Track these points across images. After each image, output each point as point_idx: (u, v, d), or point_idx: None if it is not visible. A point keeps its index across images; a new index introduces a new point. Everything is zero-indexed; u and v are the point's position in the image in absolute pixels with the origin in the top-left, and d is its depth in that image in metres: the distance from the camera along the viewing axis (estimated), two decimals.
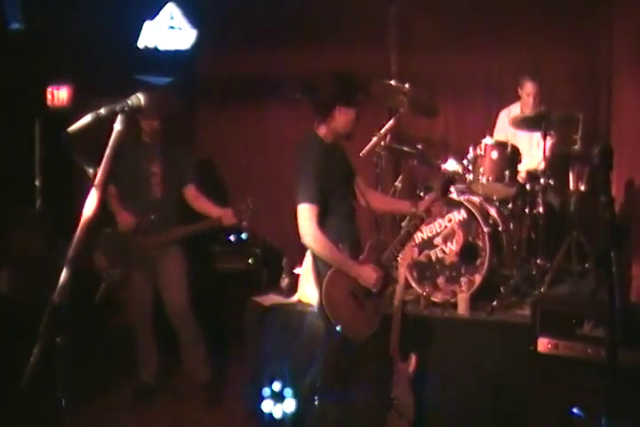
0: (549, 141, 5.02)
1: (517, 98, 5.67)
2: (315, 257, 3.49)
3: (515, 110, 5.67)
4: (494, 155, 4.88)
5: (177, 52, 6.15)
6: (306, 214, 3.38)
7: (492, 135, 5.56)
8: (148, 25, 6.09)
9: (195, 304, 4.67)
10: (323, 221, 3.44)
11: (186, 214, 4.77)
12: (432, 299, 4.64)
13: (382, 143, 5.08)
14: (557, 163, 5.18)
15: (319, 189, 3.41)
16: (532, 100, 5.49)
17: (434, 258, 4.77)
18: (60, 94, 5.92)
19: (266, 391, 4.25)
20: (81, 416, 3.97)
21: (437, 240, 4.76)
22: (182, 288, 4.62)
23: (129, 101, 2.51)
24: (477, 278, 4.59)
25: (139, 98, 2.50)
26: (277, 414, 4.17)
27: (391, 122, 5.00)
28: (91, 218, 2.37)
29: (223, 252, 6.14)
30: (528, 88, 5.51)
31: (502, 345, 4.19)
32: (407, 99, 5.00)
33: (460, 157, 5.04)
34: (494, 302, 4.54)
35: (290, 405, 4.11)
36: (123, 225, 4.53)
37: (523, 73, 5.62)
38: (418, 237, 4.76)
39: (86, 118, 2.59)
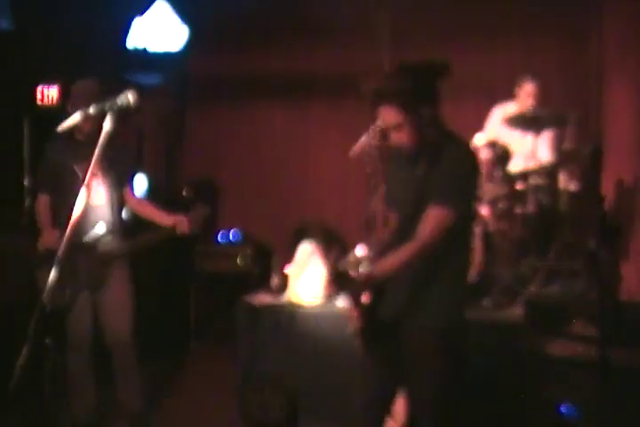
0: (542, 140, 5.04)
1: (513, 96, 5.63)
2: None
3: (510, 109, 5.59)
4: (484, 154, 4.88)
5: (167, 50, 6.13)
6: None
7: (483, 130, 5.54)
8: (137, 23, 6.06)
9: (186, 305, 4.62)
10: None
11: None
12: None
13: (372, 143, 5.07)
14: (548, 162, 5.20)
15: None
16: (533, 100, 5.45)
17: None
18: (49, 93, 5.89)
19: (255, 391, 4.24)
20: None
21: None
22: (126, 314, 4.02)
23: (118, 101, 2.50)
24: (469, 278, 4.59)
25: (128, 97, 2.48)
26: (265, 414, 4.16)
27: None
28: (80, 218, 2.37)
29: (212, 252, 6.12)
30: (529, 89, 5.45)
31: (494, 345, 4.18)
32: None
33: None
34: (485, 302, 4.54)
35: None
36: (45, 242, 3.85)
37: (523, 73, 5.57)
38: None
39: (75, 117, 2.59)
